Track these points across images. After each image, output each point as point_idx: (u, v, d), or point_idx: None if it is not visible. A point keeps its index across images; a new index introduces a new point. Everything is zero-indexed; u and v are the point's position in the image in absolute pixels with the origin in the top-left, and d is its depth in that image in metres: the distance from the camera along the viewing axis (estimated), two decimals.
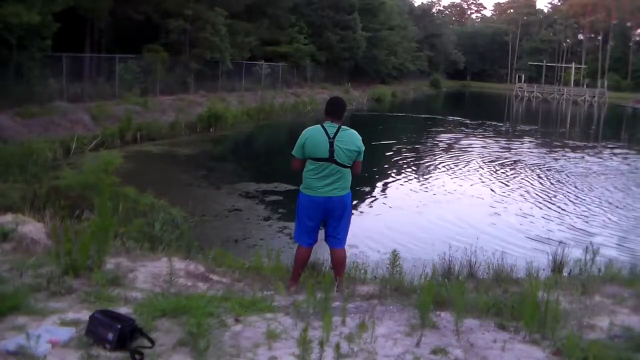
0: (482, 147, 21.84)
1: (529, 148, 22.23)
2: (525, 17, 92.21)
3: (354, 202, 5.30)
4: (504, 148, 21.73)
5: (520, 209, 11.59)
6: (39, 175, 9.83)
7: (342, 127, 4.55)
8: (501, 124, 32.72)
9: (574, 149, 22.23)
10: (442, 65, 79.46)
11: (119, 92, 20.86)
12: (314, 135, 4.52)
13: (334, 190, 4.52)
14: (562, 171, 16.32)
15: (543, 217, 10.94)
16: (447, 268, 5.71)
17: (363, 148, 4.57)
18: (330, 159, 4.47)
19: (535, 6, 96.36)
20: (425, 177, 15.18)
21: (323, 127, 4.53)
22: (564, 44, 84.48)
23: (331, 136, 4.47)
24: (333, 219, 4.62)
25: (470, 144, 22.55)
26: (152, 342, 2.79)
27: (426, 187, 13.78)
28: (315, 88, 37.03)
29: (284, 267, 5.52)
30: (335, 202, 4.55)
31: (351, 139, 4.52)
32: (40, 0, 15.73)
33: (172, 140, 18.46)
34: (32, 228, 5.35)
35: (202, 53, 25.93)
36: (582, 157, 19.85)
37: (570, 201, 12.45)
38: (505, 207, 11.76)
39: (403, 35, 58.32)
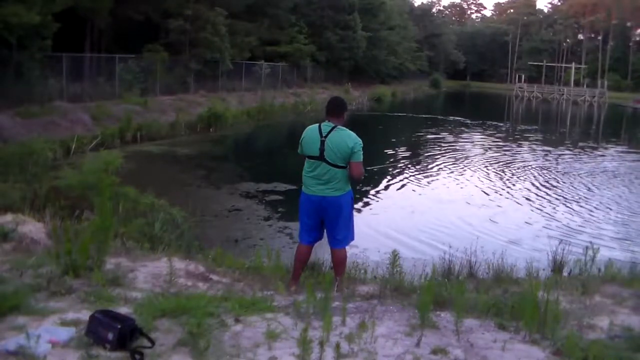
0: (483, 147, 21.84)
1: (529, 148, 22.20)
2: (525, 17, 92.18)
3: (355, 202, 5.30)
4: (504, 148, 21.72)
5: (521, 209, 11.59)
6: (39, 175, 9.80)
7: (339, 127, 4.55)
8: (501, 124, 32.72)
9: (574, 149, 22.23)
10: (442, 65, 79.53)
11: (119, 92, 20.84)
12: (309, 133, 4.60)
13: (328, 190, 4.54)
14: (562, 171, 16.31)
15: (543, 217, 10.93)
16: (447, 268, 5.70)
17: (357, 148, 4.49)
18: (321, 157, 4.50)
19: (535, 6, 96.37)
20: (426, 177, 15.17)
21: (319, 125, 4.58)
22: (564, 44, 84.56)
23: (324, 135, 4.50)
24: (328, 219, 4.65)
25: (471, 144, 22.55)
26: (152, 342, 2.79)
27: (426, 187, 13.78)
28: (315, 88, 36.98)
29: (284, 267, 5.52)
30: (329, 202, 4.57)
31: (342, 138, 4.50)
32: (40, 0, 15.73)
33: (172, 140, 18.46)
34: (32, 228, 5.36)
35: (202, 53, 25.93)
36: (582, 157, 19.85)
37: (571, 201, 12.45)
38: (506, 207, 11.75)
39: (403, 35, 58.34)
